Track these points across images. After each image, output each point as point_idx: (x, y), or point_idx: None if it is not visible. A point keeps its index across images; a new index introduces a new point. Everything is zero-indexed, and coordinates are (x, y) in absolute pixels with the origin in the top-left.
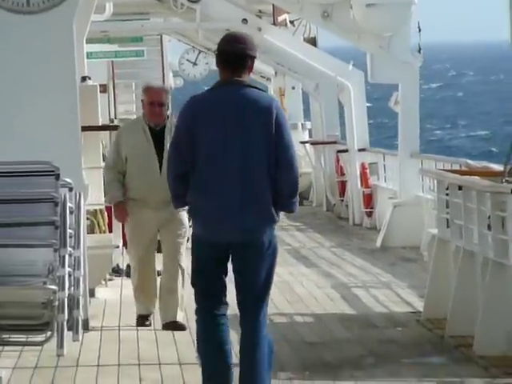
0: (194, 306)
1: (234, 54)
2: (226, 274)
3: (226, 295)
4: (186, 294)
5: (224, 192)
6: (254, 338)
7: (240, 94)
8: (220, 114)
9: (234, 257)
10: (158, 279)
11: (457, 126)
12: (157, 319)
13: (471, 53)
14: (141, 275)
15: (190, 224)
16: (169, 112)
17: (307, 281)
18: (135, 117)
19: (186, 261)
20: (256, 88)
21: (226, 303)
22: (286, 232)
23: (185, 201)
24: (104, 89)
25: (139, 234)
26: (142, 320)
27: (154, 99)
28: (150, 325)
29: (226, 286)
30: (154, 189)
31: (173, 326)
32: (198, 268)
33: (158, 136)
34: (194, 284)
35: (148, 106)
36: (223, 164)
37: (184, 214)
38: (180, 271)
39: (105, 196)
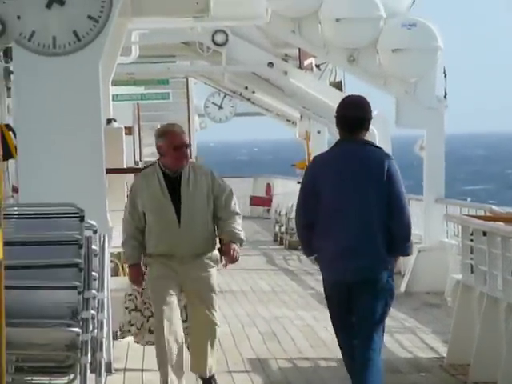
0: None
1: (354, 118)
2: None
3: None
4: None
5: (345, 238)
6: (366, 365)
7: (357, 150)
8: (340, 170)
9: (353, 294)
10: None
11: None
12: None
13: None
14: (167, 342)
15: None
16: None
17: (331, 325)
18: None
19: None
20: (371, 145)
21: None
22: (311, 276)
23: (313, 248)
24: (129, 131)
25: (162, 292)
26: None
27: (179, 142)
28: None
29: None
30: (175, 243)
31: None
32: (330, 308)
33: (173, 184)
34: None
35: (173, 152)
36: (344, 213)
37: (213, 271)
38: (214, 331)
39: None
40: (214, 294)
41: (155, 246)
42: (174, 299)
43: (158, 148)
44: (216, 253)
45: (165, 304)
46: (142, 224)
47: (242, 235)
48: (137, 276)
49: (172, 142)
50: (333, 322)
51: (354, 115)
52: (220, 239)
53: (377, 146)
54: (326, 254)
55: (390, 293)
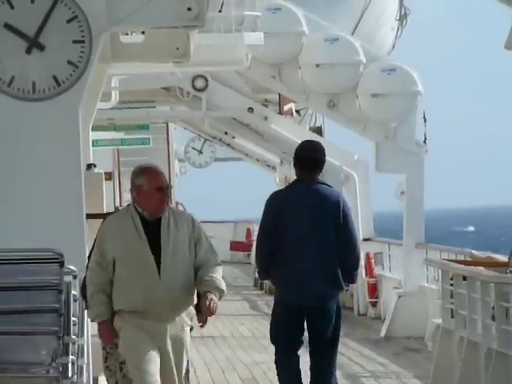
0: None
1: (311, 160)
2: (302, 334)
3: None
4: None
5: (303, 267)
6: (322, 376)
7: (314, 189)
8: (299, 205)
9: (308, 318)
10: None
11: None
12: None
13: None
14: None
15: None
16: None
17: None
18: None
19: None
20: (326, 184)
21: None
22: None
23: (269, 273)
24: (109, 176)
25: (138, 353)
26: None
27: (162, 183)
28: None
29: (302, 342)
30: (153, 298)
31: None
32: (278, 327)
33: (152, 230)
34: (274, 341)
35: (156, 193)
36: (301, 245)
37: (188, 331)
38: None
39: (87, 310)
40: (186, 359)
41: (127, 301)
42: (156, 369)
43: (137, 188)
44: (191, 309)
45: (148, 379)
46: (110, 274)
47: (223, 286)
48: (109, 333)
49: (156, 182)
50: (277, 340)
51: (311, 157)
52: (198, 292)
53: (330, 186)
54: (285, 281)
55: (339, 312)
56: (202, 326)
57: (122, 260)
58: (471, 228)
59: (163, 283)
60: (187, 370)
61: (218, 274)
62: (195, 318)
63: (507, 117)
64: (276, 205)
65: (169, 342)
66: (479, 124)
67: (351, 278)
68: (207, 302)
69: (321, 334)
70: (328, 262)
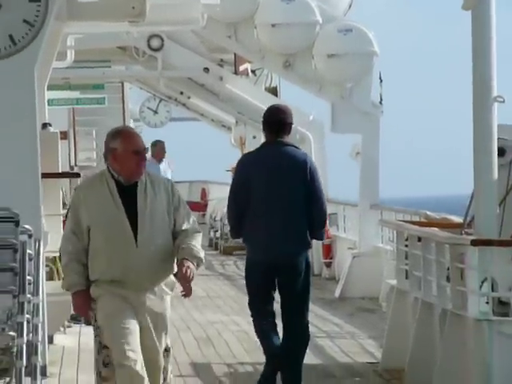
0: None
1: (278, 122)
2: (274, 289)
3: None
4: None
5: (272, 225)
6: (296, 329)
7: (281, 150)
8: (267, 166)
9: (279, 275)
10: None
11: None
12: None
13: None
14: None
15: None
16: None
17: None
18: (95, 165)
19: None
20: (293, 146)
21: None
22: None
23: (240, 233)
24: (65, 136)
25: (117, 322)
26: None
27: (138, 146)
28: None
29: (274, 299)
30: (130, 266)
31: None
32: (252, 287)
33: (127, 195)
34: (250, 302)
35: (133, 156)
36: (270, 204)
37: (169, 301)
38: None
39: (62, 280)
40: (166, 329)
41: (103, 270)
42: (135, 339)
43: (112, 151)
44: (172, 278)
45: (128, 348)
46: (85, 243)
47: (201, 254)
48: (83, 304)
49: (132, 144)
50: (251, 299)
51: (278, 119)
52: (176, 259)
53: (297, 147)
54: (255, 239)
55: (308, 268)
56: (184, 296)
57: (96, 227)
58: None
59: (140, 251)
60: (167, 348)
61: (197, 242)
62: (177, 287)
63: (464, 81)
64: (244, 167)
65: (148, 313)
66: (435, 89)
67: (319, 234)
68: (183, 270)
69: (291, 289)
70: (296, 220)
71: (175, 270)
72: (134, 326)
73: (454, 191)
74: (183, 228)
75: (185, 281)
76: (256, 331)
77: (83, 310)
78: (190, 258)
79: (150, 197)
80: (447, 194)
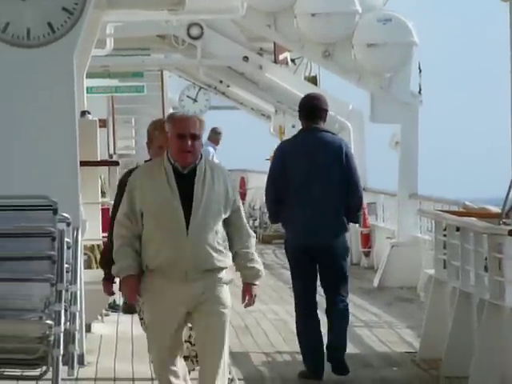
0: None
1: (313, 108)
2: (315, 273)
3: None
4: None
5: (309, 209)
6: (338, 306)
7: (318, 136)
8: (304, 153)
9: (317, 258)
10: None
11: None
12: None
13: None
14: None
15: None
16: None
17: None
18: (134, 153)
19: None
20: (329, 132)
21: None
22: (286, 270)
23: (279, 218)
24: (103, 124)
25: (162, 317)
26: None
27: (184, 130)
28: None
29: (316, 287)
30: (180, 255)
31: None
32: (293, 264)
33: (185, 182)
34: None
35: (176, 140)
36: (307, 188)
37: (225, 289)
38: (224, 369)
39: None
40: (226, 313)
41: (154, 256)
42: (177, 327)
43: (167, 135)
44: (229, 276)
45: (168, 334)
46: (138, 230)
47: (261, 266)
48: (132, 290)
49: (177, 128)
50: (294, 279)
51: (313, 105)
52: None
53: (333, 133)
54: (294, 223)
55: (346, 250)
56: (245, 306)
57: (149, 212)
58: None
59: (190, 240)
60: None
61: (253, 248)
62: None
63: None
64: (282, 153)
65: (196, 301)
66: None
67: (355, 217)
68: (250, 301)
69: (331, 270)
70: (333, 204)
71: (227, 263)
72: (178, 323)
73: (491, 194)
74: (239, 226)
75: (248, 305)
76: (296, 322)
77: (131, 295)
78: (254, 280)
79: (208, 186)
80: (483, 196)
